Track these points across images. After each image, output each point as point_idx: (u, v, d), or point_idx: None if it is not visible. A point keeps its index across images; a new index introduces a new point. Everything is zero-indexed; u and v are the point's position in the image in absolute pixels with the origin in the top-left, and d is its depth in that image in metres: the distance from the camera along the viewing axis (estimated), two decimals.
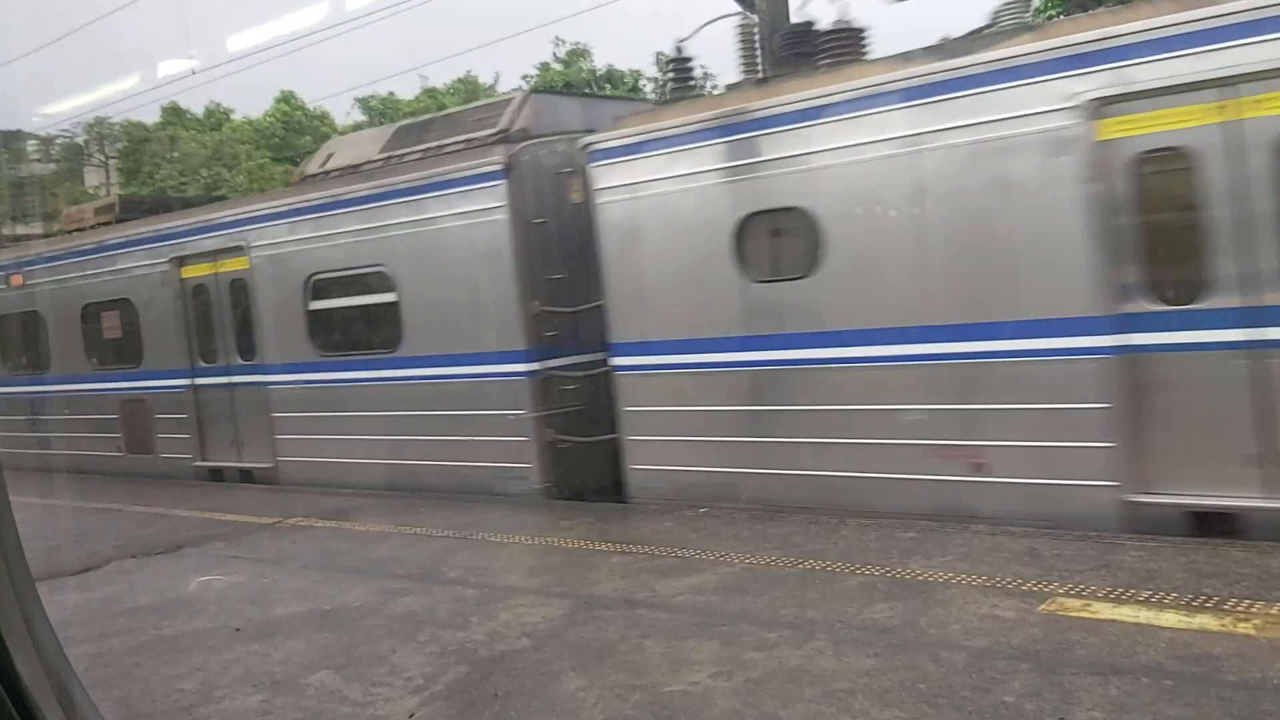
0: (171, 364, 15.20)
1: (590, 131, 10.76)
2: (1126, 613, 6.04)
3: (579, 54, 48.28)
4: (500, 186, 11.05)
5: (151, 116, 51.23)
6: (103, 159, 52.44)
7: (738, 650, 6.04)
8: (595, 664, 6.06)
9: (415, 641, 6.80)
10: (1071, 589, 6.55)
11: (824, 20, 10.12)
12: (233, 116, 53.12)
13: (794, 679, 5.54)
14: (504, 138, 11.54)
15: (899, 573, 7.24)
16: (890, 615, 6.39)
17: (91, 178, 53.14)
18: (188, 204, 17.43)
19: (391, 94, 51.34)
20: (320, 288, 13.10)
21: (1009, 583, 6.78)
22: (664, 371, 10.23)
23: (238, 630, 7.50)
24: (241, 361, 14.30)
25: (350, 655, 6.67)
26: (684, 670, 5.82)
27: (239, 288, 14.17)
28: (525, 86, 46.38)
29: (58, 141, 51.68)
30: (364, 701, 5.86)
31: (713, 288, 9.75)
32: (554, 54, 48.46)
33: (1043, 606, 6.28)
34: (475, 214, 11.31)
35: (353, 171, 13.19)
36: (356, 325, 13.15)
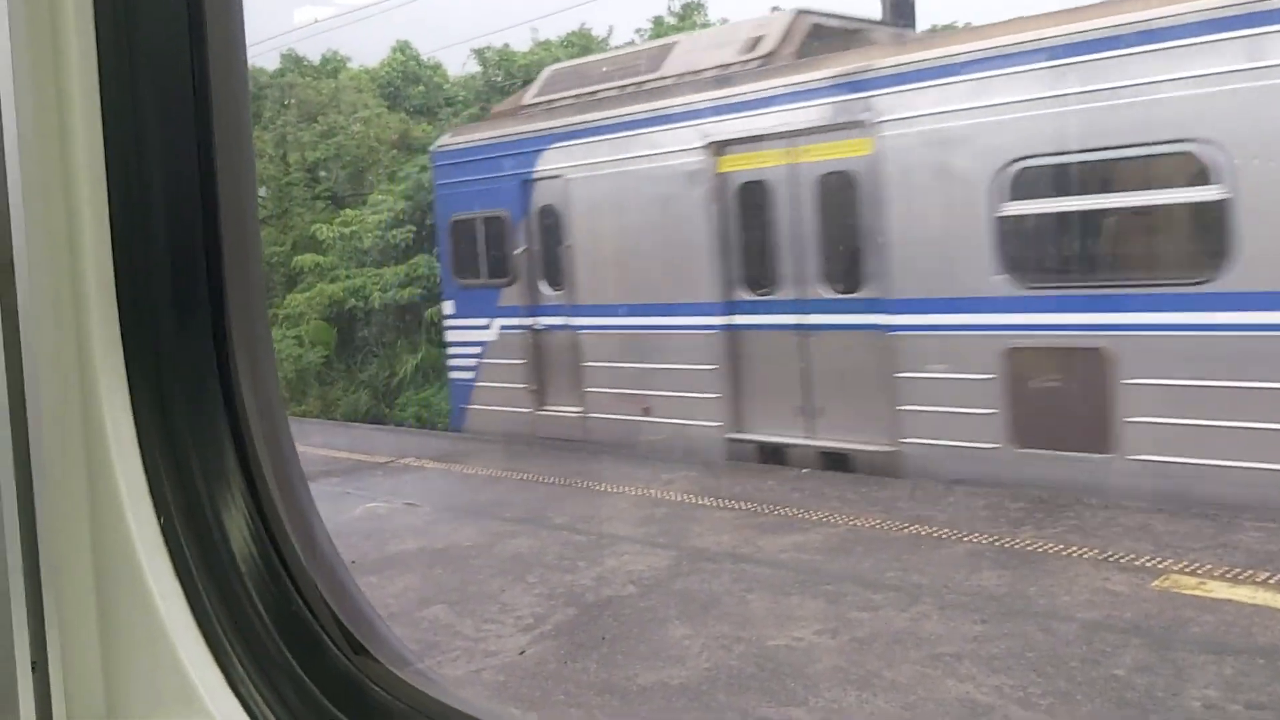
0: None
1: None
2: (1244, 593, 5.93)
3: (694, 7, 47.81)
4: None
5: (272, 64, 52.33)
6: None
7: (842, 609, 6.09)
8: (700, 614, 6.17)
9: (524, 582, 6.99)
10: (1186, 566, 6.43)
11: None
12: (349, 65, 53.94)
13: (899, 640, 5.57)
14: None
15: (1008, 542, 7.19)
16: (998, 583, 6.36)
17: None
18: None
19: (507, 45, 51.53)
20: None
21: (1121, 557, 6.68)
22: None
23: (353, 563, 7.79)
24: None
25: (462, 592, 6.89)
26: (788, 625, 5.90)
27: None
28: (639, 41, 46.12)
29: None
30: (476, 637, 6.07)
31: None
32: (668, 7, 48.05)
33: (1156, 583, 6.19)
34: None
35: None
36: None
